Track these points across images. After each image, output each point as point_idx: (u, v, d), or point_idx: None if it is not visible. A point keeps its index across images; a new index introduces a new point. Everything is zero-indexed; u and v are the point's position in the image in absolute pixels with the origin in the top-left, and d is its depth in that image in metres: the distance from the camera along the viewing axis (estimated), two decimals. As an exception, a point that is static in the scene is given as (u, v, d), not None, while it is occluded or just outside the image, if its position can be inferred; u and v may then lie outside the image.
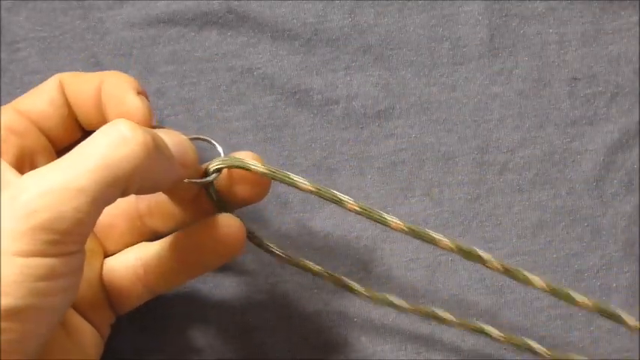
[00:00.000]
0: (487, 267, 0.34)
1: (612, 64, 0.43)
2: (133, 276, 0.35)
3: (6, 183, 0.30)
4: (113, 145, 0.28)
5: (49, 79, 0.34)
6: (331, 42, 0.42)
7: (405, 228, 0.34)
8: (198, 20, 0.42)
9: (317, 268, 0.37)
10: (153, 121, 0.32)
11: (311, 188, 0.33)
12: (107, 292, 0.35)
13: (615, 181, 0.42)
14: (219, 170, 0.33)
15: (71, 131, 0.34)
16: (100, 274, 0.35)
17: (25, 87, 0.41)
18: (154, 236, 0.36)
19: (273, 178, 0.33)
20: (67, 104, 0.34)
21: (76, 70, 0.41)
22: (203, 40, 0.42)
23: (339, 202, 0.33)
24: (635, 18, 0.43)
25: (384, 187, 0.41)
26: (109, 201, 0.28)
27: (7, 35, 0.41)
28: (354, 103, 0.42)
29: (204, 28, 0.42)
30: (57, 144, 0.34)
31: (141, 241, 0.36)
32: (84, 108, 0.33)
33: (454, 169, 0.41)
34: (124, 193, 0.29)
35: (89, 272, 0.34)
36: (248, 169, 0.33)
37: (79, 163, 0.27)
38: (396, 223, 0.34)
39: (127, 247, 0.36)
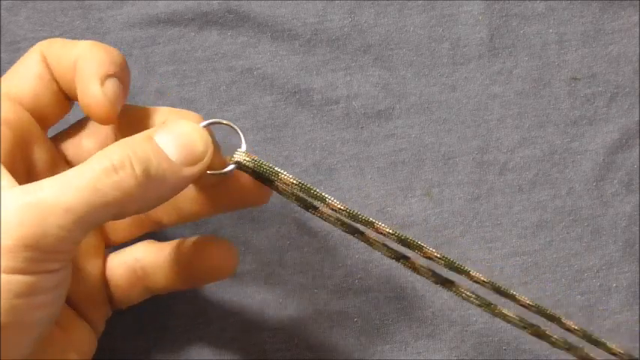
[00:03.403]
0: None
1: (612, 64, 0.43)
2: (133, 276, 0.35)
3: None
4: (104, 171, 0.28)
5: (30, 52, 0.32)
6: (331, 42, 0.42)
7: (392, 233, 0.34)
8: (198, 20, 0.42)
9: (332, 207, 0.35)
10: (117, 110, 0.30)
11: (340, 207, 0.33)
12: (108, 287, 0.35)
13: (615, 181, 0.42)
14: (239, 163, 0.32)
15: (62, 105, 0.33)
16: (102, 270, 0.35)
17: (25, 87, 0.41)
18: (158, 227, 0.36)
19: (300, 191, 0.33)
20: (54, 76, 0.32)
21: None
22: (203, 40, 0.42)
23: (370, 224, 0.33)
24: (635, 18, 0.43)
25: (384, 187, 0.41)
26: (97, 223, 0.28)
27: (7, 35, 0.41)
28: (354, 103, 0.42)
29: (204, 28, 0.42)
30: (49, 121, 0.33)
31: (144, 232, 0.36)
32: (65, 82, 0.32)
33: (454, 169, 0.41)
34: (120, 217, 0.29)
35: (89, 268, 0.34)
36: (271, 183, 0.32)
37: (68, 182, 0.27)
38: (381, 227, 0.34)
39: (131, 237, 0.36)
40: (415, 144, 0.42)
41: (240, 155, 0.32)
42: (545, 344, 0.40)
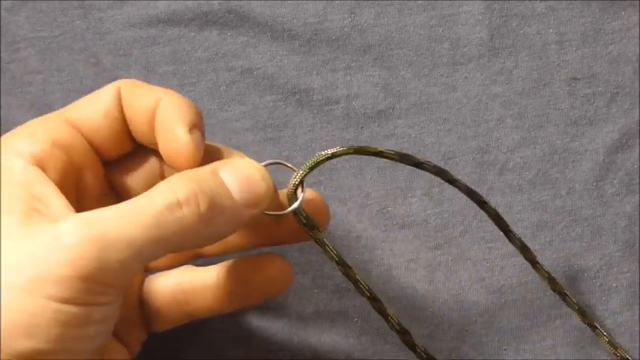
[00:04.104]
0: None
1: (612, 64, 0.43)
2: (172, 300, 0.34)
3: (50, 210, 0.28)
4: (167, 207, 0.27)
5: (107, 87, 0.32)
6: (331, 42, 0.42)
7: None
8: (198, 20, 0.42)
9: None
10: (200, 158, 0.30)
11: (395, 156, 0.33)
12: (144, 311, 0.34)
13: (615, 181, 0.42)
14: (295, 194, 0.32)
15: (122, 144, 0.32)
16: (138, 293, 0.34)
17: (25, 87, 0.41)
18: (198, 257, 0.36)
19: (357, 153, 0.32)
20: (122, 116, 0.32)
21: (76, 70, 0.41)
22: (203, 40, 0.42)
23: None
24: (635, 18, 0.43)
25: (384, 187, 0.41)
26: (155, 258, 0.28)
27: (7, 35, 0.41)
28: (354, 103, 0.42)
29: (204, 28, 0.42)
30: (106, 156, 0.32)
31: (183, 261, 0.35)
32: (137, 124, 0.32)
33: (454, 169, 0.41)
34: (175, 251, 0.29)
35: (126, 291, 0.33)
36: (322, 161, 0.32)
37: (131, 217, 0.27)
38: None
39: (170, 265, 0.35)
40: (415, 144, 0.42)
41: (298, 201, 0.32)
42: (547, 344, 0.40)
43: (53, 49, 0.41)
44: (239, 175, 0.30)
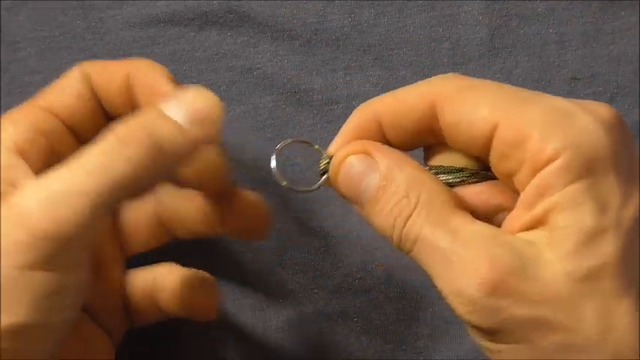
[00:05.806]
0: None
1: (612, 64, 0.43)
2: (151, 298, 0.35)
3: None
4: (112, 147, 0.27)
5: (71, 72, 0.32)
6: (331, 42, 0.42)
7: None
8: (198, 20, 0.42)
9: None
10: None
11: None
12: (126, 301, 0.35)
13: (615, 181, 0.42)
14: (325, 172, 0.32)
15: (97, 122, 0.33)
16: (120, 282, 0.35)
17: (25, 87, 0.41)
18: (173, 239, 0.36)
19: None
20: (94, 95, 0.32)
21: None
22: (203, 40, 0.42)
23: None
24: (635, 18, 0.43)
25: (384, 187, 0.41)
26: (112, 203, 0.28)
27: (7, 35, 0.41)
28: (354, 103, 0.42)
29: (204, 28, 0.42)
30: (83, 137, 0.33)
31: (160, 242, 0.36)
32: (110, 96, 0.32)
33: (454, 169, 0.41)
34: (136, 193, 0.29)
35: (108, 278, 0.34)
36: None
37: (78, 167, 0.27)
38: None
39: (148, 247, 0.36)
40: (415, 144, 0.42)
41: (326, 165, 0.32)
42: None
43: (53, 49, 0.41)
44: (181, 100, 0.29)
